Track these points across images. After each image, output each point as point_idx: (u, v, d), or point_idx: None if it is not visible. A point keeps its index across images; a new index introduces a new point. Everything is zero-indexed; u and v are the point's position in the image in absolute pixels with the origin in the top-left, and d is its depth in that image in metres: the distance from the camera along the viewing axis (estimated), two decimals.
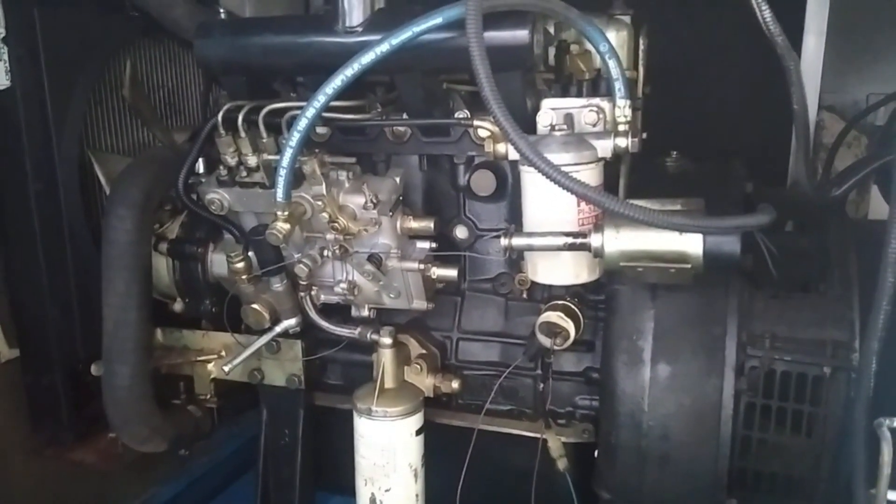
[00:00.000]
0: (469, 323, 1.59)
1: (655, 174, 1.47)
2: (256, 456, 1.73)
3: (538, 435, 1.46)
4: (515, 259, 1.48)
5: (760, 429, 1.22)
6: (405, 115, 1.46)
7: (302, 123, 1.25)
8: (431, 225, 1.44)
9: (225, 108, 1.40)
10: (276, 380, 1.63)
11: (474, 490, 1.49)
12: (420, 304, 1.50)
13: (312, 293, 1.53)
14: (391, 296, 1.49)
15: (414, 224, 1.44)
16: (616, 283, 1.30)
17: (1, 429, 1.61)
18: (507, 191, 1.50)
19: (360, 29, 1.34)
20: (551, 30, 1.47)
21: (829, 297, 1.22)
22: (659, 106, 1.72)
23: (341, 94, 1.25)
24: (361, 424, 1.45)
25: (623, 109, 1.27)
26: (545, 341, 1.36)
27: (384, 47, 1.20)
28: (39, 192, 1.53)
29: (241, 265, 1.46)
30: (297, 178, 1.37)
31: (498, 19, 1.23)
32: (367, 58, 1.21)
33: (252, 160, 1.41)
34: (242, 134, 1.39)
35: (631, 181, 1.38)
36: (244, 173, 1.44)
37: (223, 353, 1.64)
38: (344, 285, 1.48)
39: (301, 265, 1.43)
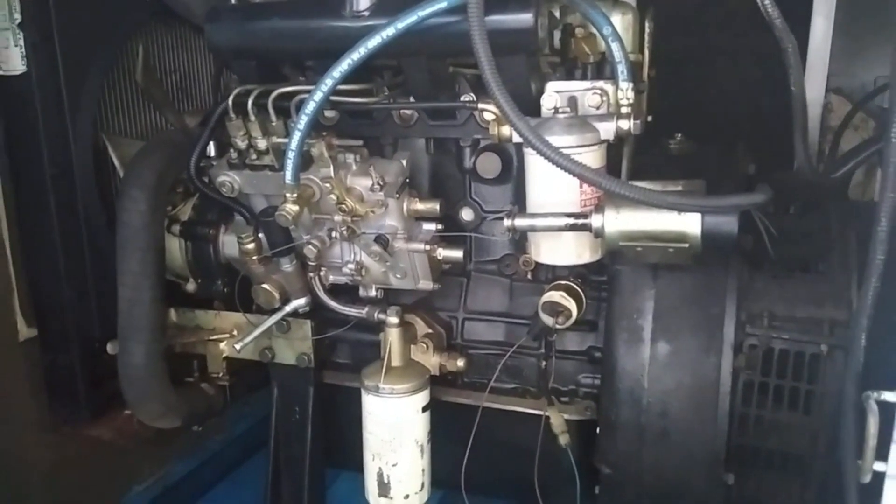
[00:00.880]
0: (474, 303, 1.62)
1: (658, 156, 1.48)
2: (268, 433, 1.77)
3: (541, 412, 1.49)
4: (520, 240, 1.50)
5: (758, 406, 1.24)
6: (412, 99, 1.49)
7: (310, 107, 1.27)
8: (437, 207, 1.46)
9: (235, 92, 1.42)
10: (286, 358, 1.65)
11: (479, 465, 1.51)
12: (426, 284, 1.52)
13: (321, 274, 1.55)
14: (398, 276, 1.52)
15: (420, 206, 1.46)
16: (618, 264, 1.33)
17: (21, 406, 1.66)
18: (513, 173, 1.52)
19: (367, 13, 1.35)
20: (556, 13, 1.48)
21: (828, 276, 1.24)
22: (666, 88, 1.73)
23: (348, 77, 1.27)
24: (369, 401, 1.49)
25: (626, 92, 1.29)
26: (548, 320, 1.38)
27: (390, 31, 1.22)
28: (55, 175, 1.56)
29: (251, 246, 1.49)
30: (306, 161, 1.39)
31: (502, 3, 1.24)
32: (373, 42, 1.23)
33: (262, 143, 1.43)
34: (252, 118, 1.41)
35: (634, 163, 1.40)
36: (254, 156, 1.46)
37: (235, 333, 1.67)
38: (352, 266, 1.51)
39: (310, 246, 1.46)
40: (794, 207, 1.41)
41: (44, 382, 1.68)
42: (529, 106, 1.38)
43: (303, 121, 1.28)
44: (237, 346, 1.58)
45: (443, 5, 1.20)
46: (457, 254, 1.50)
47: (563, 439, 1.46)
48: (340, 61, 1.24)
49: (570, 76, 1.43)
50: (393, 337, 1.49)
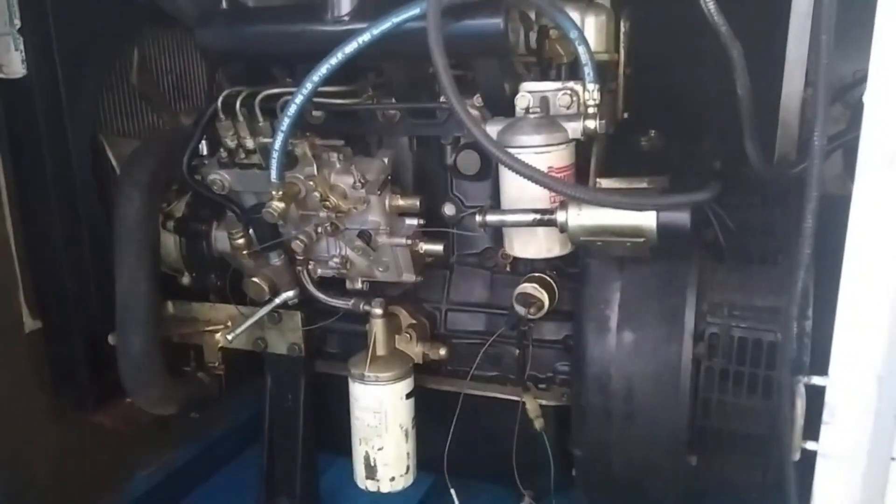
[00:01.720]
0: (457, 294, 1.68)
1: (629, 153, 1.54)
2: (262, 419, 1.84)
3: (517, 398, 1.56)
4: (498, 234, 1.56)
5: (720, 391, 1.30)
6: (394, 100, 1.55)
7: (291, 109, 1.33)
8: (418, 203, 1.52)
9: (224, 94, 1.49)
10: (278, 348, 1.72)
11: (461, 449, 1.58)
12: (409, 277, 1.58)
13: (309, 267, 1.61)
14: (381, 269, 1.58)
15: (401, 202, 1.52)
16: (587, 257, 1.39)
17: (26, 394, 1.71)
18: (492, 170, 1.56)
19: (347, 18, 1.39)
20: (532, 15, 1.53)
21: (785, 267, 1.29)
22: (644, 87, 1.77)
23: (328, 80, 1.32)
24: (356, 389, 1.56)
25: (592, 93, 1.34)
26: (521, 311, 1.44)
27: (366, 37, 1.26)
28: (55, 174, 1.60)
29: (241, 241, 1.55)
30: (292, 160, 1.45)
31: (473, 8, 1.28)
32: (351, 47, 1.27)
33: (250, 143, 1.50)
34: (240, 118, 1.47)
35: (608, 160, 1.46)
36: (243, 155, 1.53)
37: (230, 324, 1.73)
38: (337, 260, 1.57)
39: (297, 241, 1.52)
40: (757, 201, 1.46)
41: (49, 372, 1.74)
42: (504, 106, 1.44)
43: (285, 122, 1.34)
44: (229, 337, 1.64)
45: (416, 11, 1.26)
46: (438, 247, 1.55)
47: (538, 423, 1.52)
48: (320, 66, 1.30)
49: (545, 76, 1.47)
50: (377, 327, 1.56)
